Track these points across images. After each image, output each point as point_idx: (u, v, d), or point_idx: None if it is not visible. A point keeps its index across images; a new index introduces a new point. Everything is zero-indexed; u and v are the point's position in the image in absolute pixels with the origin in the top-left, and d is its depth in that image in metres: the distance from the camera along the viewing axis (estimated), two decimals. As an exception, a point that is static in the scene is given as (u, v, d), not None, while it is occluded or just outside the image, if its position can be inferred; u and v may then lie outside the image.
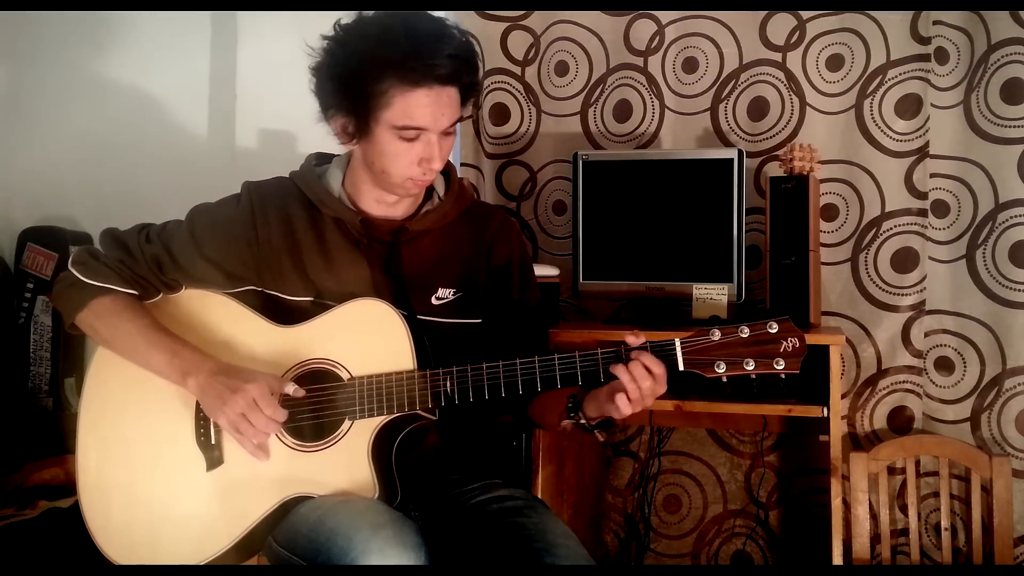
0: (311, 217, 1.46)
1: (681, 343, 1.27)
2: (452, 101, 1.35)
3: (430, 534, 1.26)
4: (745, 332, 1.26)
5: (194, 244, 1.44)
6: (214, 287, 1.47)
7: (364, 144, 1.38)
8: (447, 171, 1.53)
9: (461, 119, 1.39)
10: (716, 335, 1.27)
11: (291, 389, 1.34)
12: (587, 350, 1.30)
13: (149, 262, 1.44)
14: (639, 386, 1.25)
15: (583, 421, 1.37)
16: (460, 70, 1.33)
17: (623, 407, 1.25)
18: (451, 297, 1.48)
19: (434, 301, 1.47)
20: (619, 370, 1.26)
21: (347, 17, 1.36)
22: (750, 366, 1.25)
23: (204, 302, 1.47)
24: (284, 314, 1.44)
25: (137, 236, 1.47)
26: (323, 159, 1.53)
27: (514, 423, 1.64)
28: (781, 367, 1.25)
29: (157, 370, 1.39)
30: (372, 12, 1.35)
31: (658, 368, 1.26)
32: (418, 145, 1.35)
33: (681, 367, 1.27)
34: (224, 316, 1.45)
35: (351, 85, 1.32)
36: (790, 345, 1.25)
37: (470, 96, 1.40)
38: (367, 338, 1.37)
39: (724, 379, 1.27)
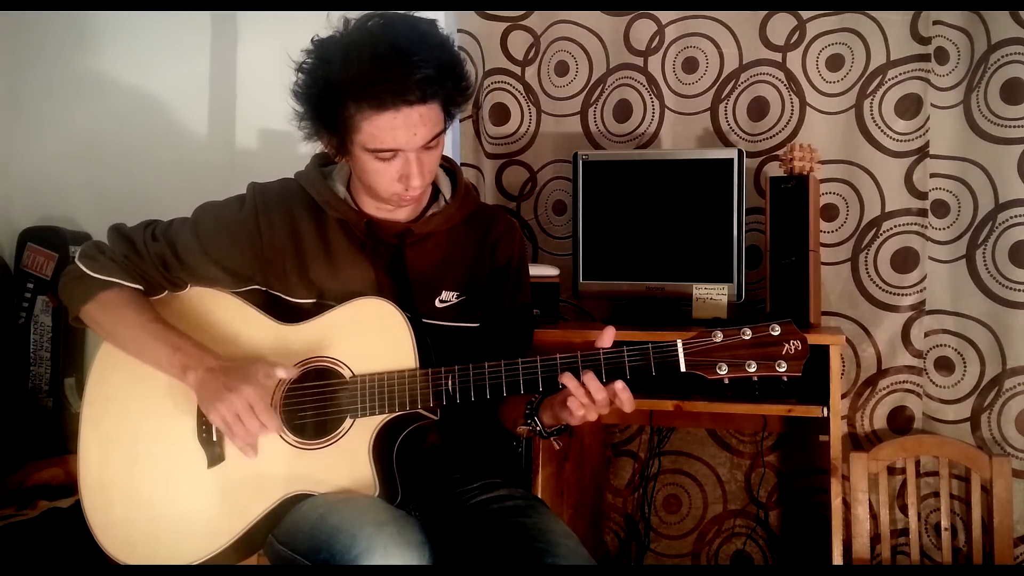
0: (316, 219, 1.45)
1: (683, 344, 1.27)
2: (427, 118, 1.30)
3: (430, 533, 1.25)
4: (747, 334, 1.26)
5: (199, 244, 1.44)
6: (219, 286, 1.47)
7: (349, 161, 1.39)
8: (453, 174, 1.53)
9: (445, 130, 1.36)
10: (718, 337, 1.26)
11: (282, 372, 1.33)
12: (588, 350, 1.30)
13: (154, 260, 1.44)
14: (592, 397, 1.26)
15: (539, 428, 1.38)
16: (435, 86, 1.27)
17: (575, 411, 1.27)
18: (454, 300, 1.48)
19: (438, 304, 1.47)
20: (567, 379, 1.26)
21: (324, 31, 1.32)
22: (752, 368, 1.25)
23: (208, 300, 1.47)
24: (288, 314, 1.44)
25: (143, 233, 1.46)
26: (327, 159, 1.52)
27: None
28: (783, 370, 1.24)
29: (158, 364, 1.39)
30: (343, 31, 1.30)
31: (600, 393, 1.26)
32: (396, 163, 1.33)
33: (683, 368, 1.27)
34: (227, 314, 1.45)
35: (321, 110, 1.32)
36: (792, 348, 1.25)
37: (456, 103, 1.36)
38: (370, 337, 1.37)
39: (726, 381, 1.26)
